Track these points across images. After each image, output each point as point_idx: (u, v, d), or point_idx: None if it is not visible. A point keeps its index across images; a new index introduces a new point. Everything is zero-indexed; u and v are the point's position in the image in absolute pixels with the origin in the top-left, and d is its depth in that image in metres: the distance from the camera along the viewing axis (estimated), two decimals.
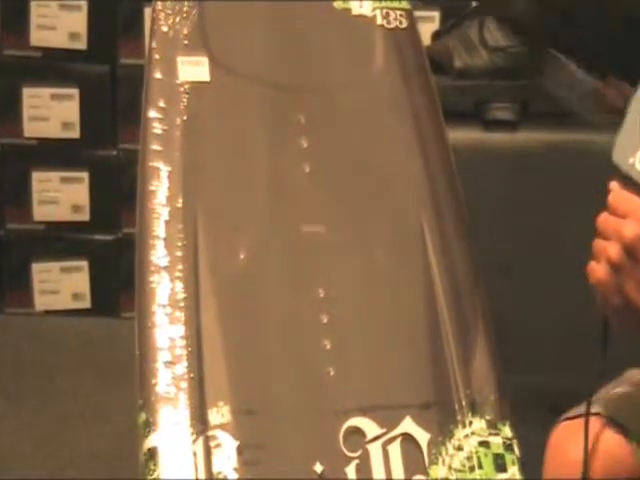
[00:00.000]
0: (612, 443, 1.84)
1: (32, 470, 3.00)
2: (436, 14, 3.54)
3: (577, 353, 2.18)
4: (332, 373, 1.67)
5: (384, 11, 1.91)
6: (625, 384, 1.97)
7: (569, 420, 1.89)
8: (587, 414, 1.81)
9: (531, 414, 1.83)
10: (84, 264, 3.95)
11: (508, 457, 1.67)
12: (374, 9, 1.91)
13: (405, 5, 1.94)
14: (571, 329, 2.33)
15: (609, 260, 1.68)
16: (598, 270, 1.68)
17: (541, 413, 1.89)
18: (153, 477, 1.59)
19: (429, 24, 3.39)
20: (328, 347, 1.69)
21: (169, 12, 1.84)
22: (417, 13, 2.00)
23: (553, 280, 2.43)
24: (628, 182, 1.69)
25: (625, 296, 1.69)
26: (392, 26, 1.91)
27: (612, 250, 1.67)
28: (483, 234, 1.82)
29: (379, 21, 1.91)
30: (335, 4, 1.90)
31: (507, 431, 1.69)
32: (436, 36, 3.25)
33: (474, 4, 3.24)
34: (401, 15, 1.92)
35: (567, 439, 1.85)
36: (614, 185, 1.68)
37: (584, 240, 1.83)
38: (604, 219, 1.68)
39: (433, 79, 1.94)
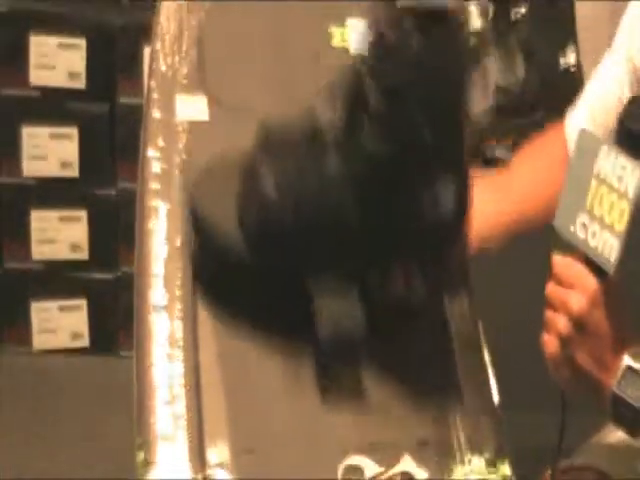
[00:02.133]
0: None
1: None
2: None
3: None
4: (332, 414, 1.68)
5: None
6: (609, 432, 1.97)
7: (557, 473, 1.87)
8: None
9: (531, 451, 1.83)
10: (83, 303, 3.95)
11: None
12: None
13: None
14: None
15: (558, 333, 1.68)
16: (549, 343, 1.69)
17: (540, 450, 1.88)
18: None
19: None
20: None
21: (168, 51, 1.84)
22: None
23: None
24: (571, 249, 1.70)
25: (577, 367, 1.70)
26: None
27: (560, 323, 1.68)
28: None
29: None
30: (335, 38, 1.91)
31: (506, 469, 1.70)
32: None
33: (472, 42, 3.27)
34: None
35: None
36: (556, 257, 1.69)
37: None
38: (551, 290, 1.69)
39: None
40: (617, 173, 1.65)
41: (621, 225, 1.64)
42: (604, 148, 1.66)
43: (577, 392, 1.74)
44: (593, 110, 2.16)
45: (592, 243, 1.67)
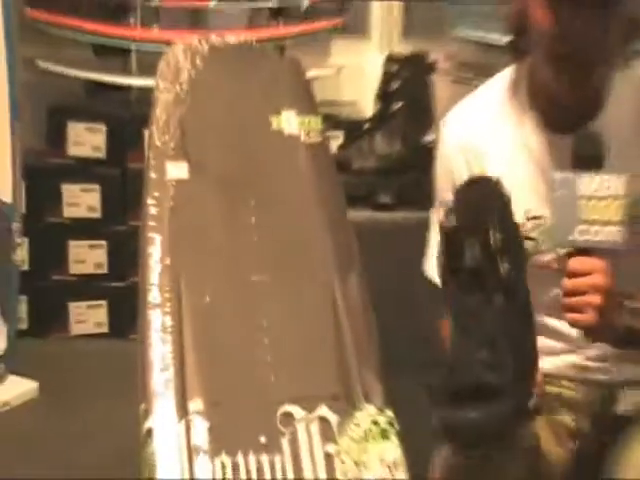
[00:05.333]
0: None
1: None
2: (340, 133, 3.56)
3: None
4: (272, 376, 1.67)
5: (306, 130, 1.91)
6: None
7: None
8: None
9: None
10: (104, 302, 3.94)
11: (390, 430, 1.66)
12: (299, 129, 1.90)
13: (320, 126, 1.93)
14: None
15: (596, 307, 1.65)
16: (586, 318, 1.66)
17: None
18: (149, 449, 1.58)
19: (336, 140, 3.40)
20: (269, 359, 1.68)
21: (160, 132, 1.83)
22: (328, 132, 2.00)
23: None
24: (576, 252, 1.68)
25: (611, 323, 1.69)
26: (311, 141, 1.90)
27: (596, 299, 1.65)
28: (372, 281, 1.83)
29: (302, 138, 1.90)
30: (274, 126, 1.89)
31: (389, 413, 1.68)
32: (341, 148, 3.28)
33: (366, 126, 3.29)
34: (317, 133, 1.92)
35: (446, 460, 1.80)
36: (570, 260, 1.67)
37: None
38: (572, 282, 1.65)
39: (339, 177, 1.94)
40: (604, 185, 1.65)
41: (618, 216, 1.65)
42: (584, 175, 1.67)
43: (603, 332, 1.72)
44: None
45: (597, 238, 1.66)
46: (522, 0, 1.82)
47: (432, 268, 1.92)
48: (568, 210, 1.67)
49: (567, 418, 1.98)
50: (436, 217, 1.96)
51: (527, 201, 1.85)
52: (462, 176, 1.86)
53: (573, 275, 1.66)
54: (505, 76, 1.96)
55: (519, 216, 1.64)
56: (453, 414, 1.59)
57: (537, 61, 1.83)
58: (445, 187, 1.94)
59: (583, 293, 1.66)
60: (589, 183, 1.67)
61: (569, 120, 1.83)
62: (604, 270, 1.67)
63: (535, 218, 1.89)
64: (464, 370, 1.58)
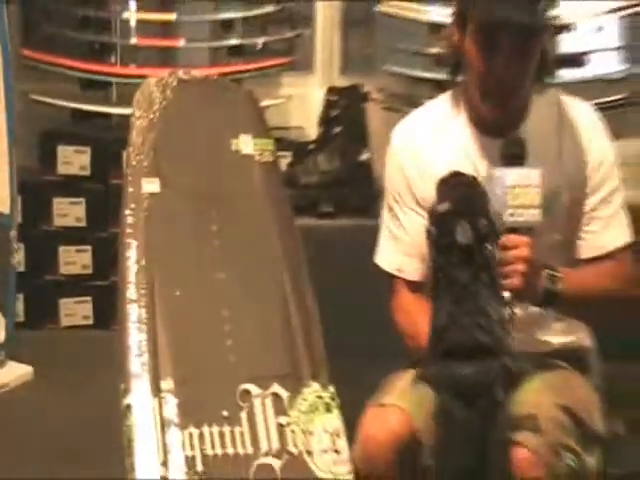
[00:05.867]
0: (401, 424, 1.76)
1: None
2: (289, 153, 3.54)
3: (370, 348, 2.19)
4: (232, 359, 1.66)
5: (260, 151, 1.90)
6: (404, 380, 1.93)
7: (375, 407, 1.81)
8: None
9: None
10: (89, 299, 3.89)
11: (332, 404, 1.67)
12: (254, 150, 1.89)
13: (272, 147, 1.92)
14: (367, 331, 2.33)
15: (522, 273, 1.71)
16: (515, 283, 1.71)
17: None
18: (128, 421, 1.57)
19: (285, 159, 3.38)
20: (230, 344, 1.68)
21: (136, 153, 1.82)
22: (278, 153, 1.99)
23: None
24: (506, 231, 1.72)
25: (534, 286, 1.77)
26: (264, 160, 1.90)
27: (521, 267, 1.72)
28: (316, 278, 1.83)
29: (257, 157, 1.89)
30: (232, 147, 1.89)
31: (332, 389, 1.69)
32: (289, 165, 3.27)
33: (311, 147, 3.30)
34: (269, 153, 1.91)
35: (374, 420, 1.77)
36: (503, 238, 1.72)
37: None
38: (503, 255, 1.70)
39: (287, 191, 1.94)
40: (525, 178, 1.75)
41: (537, 201, 1.74)
42: (512, 171, 1.75)
43: (528, 294, 1.78)
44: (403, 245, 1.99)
45: (521, 219, 1.73)
46: (459, 40, 1.88)
47: (382, 259, 1.99)
48: (499, 198, 1.73)
49: None
50: (386, 214, 2.01)
51: None
52: (411, 173, 1.94)
53: (504, 249, 1.71)
54: (446, 96, 2.01)
55: None
56: (450, 370, 1.60)
57: (470, 87, 1.90)
58: (397, 183, 1.97)
59: (512, 263, 1.71)
60: (514, 176, 1.75)
61: (497, 129, 1.90)
62: (527, 244, 1.73)
63: None
64: (461, 332, 1.59)
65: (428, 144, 1.95)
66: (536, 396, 1.78)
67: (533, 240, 1.75)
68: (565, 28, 1.96)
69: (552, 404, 1.78)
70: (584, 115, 1.96)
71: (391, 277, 1.98)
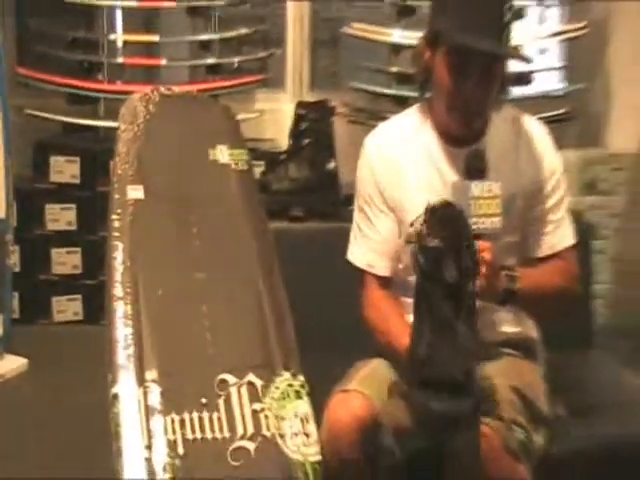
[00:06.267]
0: (363, 408, 1.80)
1: None
2: (262, 163, 3.53)
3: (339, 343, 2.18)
4: (210, 351, 1.65)
5: (235, 160, 1.90)
6: (366, 368, 1.94)
7: (339, 393, 1.84)
8: None
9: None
10: (79, 296, 3.87)
11: (302, 391, 1.66)
12: (230, 159, 1.89)
13: (246, 157, 1.92)
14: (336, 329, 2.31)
15: (484, 275, 1.73)
16: (478, 282, 1.69)
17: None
18: (115, 409, 1.56)
19: (259, 167, 3.37)
20: (209, 337, 1.67)
21: (122, 162, 1.81)
22: (252, 162, 1.98)
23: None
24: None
25: (494, 286, 1.80)
26: (240, 168, 1.90)
27: (484, 269, 1.73)
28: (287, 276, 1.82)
29: (233, 166, 1.89)
30: (210, 157, 1.88)
31: (302, 378, 1.68)
32: (262, 174, 3.25)
33: (282, 157, 3.29)
34: (244, 163, 1.91)
35: (338, 405, 1.80)
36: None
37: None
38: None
39: (261, 196, 1.94)
40: (487, 189, 1.77)
41: (497, 210, 1.78)
42: (474, 183, 1.78)
43: (491, 295, 1.80)
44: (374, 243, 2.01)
45: (483, 226, 1.76)
46: (429, 59, 1.90)
47: (354, 256, 2.01)
48: (465, 208, 1.74)
49: None
50: (357, 214, 2.02)
51: (428, 197, 1.88)
52: (382, 178, 1.96)
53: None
54: (414, 109, 2.02)
55: (421, 209, 1.66)
56: (425, 403, 1.58)
57: (437, 103, 1.92)
58: (368, 186, 1.99)
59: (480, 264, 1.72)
60: (478, 188, 1.77)
61: (461, 141, 1.92)
62: (489, 249, 1.76)
63: None
64: (439, 368, 1.58)
65: (398, 151, 1.96)
66: (492, 380, 1.81)
67: (494, 245, 1.78)
68: (514, 49, 1.95)
69: (506, 386, 1.81)
70: (536, 130, 1.99)
71: (362, 273, 1.99)
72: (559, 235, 1.97)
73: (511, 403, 1.80)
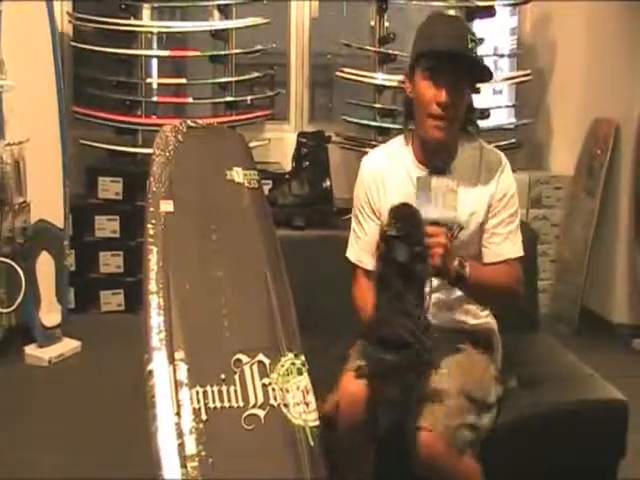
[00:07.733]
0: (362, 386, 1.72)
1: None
2: (270, 182, 3.52)
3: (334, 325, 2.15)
4: (227, 334, 1.63)
5: (248, 180, 1.87)
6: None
7: (349, 372, 1.76)
8: None
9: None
10: (122, 291, 3.88)
11: (303, 368, 1.63)
12: (244, 179, 1.86)
13: (257, 177, 1.88)
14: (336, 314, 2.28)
15: (439, 255, 1.69)
16: (435, 260, 1.68)
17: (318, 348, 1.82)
18: (150, 383, 1.54)
19: (267, 186, 3.35)
20: (226, 324, 1.64)
21: (156, 182, 1.78)
22: (262, 181, 1.95)
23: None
24: (430, 223, 1.70)
25: (448, 267, 1.73)
26: (251, 187, 1.86)
27: (439, 250, 1.69)
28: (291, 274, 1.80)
29: (246, 184, 1.86)
30: (228, 177, 1.85)
31: (302, 357, 1.65)
32: (270, 191, 3.24)
33: (286, 177, 3.27)
34: (255, 182, 1.88)
35: (348, 382, 1.74)
36: (427, 227, 1.68)
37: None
38: (428, 240, 1.68)
39: (269, 209, 1.91)
40: (444, 184, 1.74)
41: (453, 202, 1.74)
42: (435, 178, 1.75)
43: (447, 275, 1.76)
44: (363, 243, 1.97)
45: (441, 215, 1.72)
46: (410, 92, 1.88)
47: (349, 253, 1.99)
48: (425, 199, 1.72)
49: None
50: (353, 220, 2.00)
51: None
52: (371, 191, 1.95)
53: (428, 236, 1.69)
54: (400, 137, 2.00)
55: None
56: (380, 356, 1.59)
57: (418, 119, 1.88)
58: (361, 198, 1.98)
59: (433, 247, 1.69)
60: (437, 182, 1.74)
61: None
62: (444, 233, 1.71)
63: None
64: (390, 329, 1.58)
65: (384, 170, 1.95)
66: (444, 384, 1.75)
67: (449, 233, 1.75)
68: (475, 90, 1.92)
69: (456, 391, 1.75)
70: (496, 158, 1.95)
71: (354, 267, 1.97)
72: (506, 247, 1.91)
73: (460, 409, 1.74)
